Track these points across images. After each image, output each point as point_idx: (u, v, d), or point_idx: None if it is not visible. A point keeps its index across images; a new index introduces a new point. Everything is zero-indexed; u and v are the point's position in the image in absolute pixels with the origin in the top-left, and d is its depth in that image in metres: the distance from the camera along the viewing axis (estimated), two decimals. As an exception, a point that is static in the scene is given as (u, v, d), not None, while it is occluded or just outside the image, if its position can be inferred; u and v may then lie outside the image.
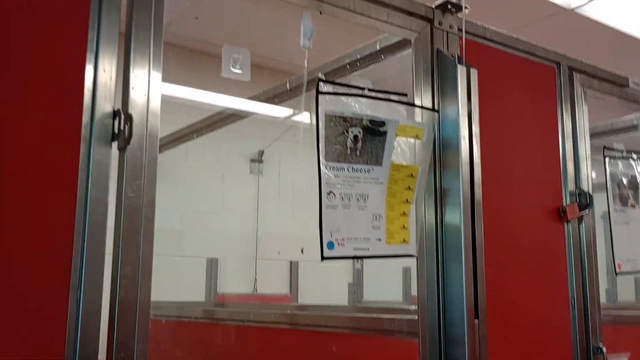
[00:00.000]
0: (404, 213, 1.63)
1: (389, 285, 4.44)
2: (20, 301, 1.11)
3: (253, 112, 3.29)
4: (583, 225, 2.07)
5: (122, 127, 1.24)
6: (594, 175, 2.20)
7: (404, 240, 1.62)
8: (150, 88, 1.30)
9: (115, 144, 1.24)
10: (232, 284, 3.90)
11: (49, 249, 1.15)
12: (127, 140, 1.23)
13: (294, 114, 3.52)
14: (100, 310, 1.16)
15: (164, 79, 1.33)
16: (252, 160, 4.31)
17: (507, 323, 1.79)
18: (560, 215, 2.03)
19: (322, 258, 1.47)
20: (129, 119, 1.24)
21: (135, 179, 1.25)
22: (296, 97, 2.57)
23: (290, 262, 4.30)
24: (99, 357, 1.15)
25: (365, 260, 4.62)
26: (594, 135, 2.50)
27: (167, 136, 3.21)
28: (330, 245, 1.49)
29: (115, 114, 1.25)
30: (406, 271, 4.46)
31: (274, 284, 4.19)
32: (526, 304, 1.88)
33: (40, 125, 1.17)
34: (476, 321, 1.64)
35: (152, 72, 1.31)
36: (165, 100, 1.33)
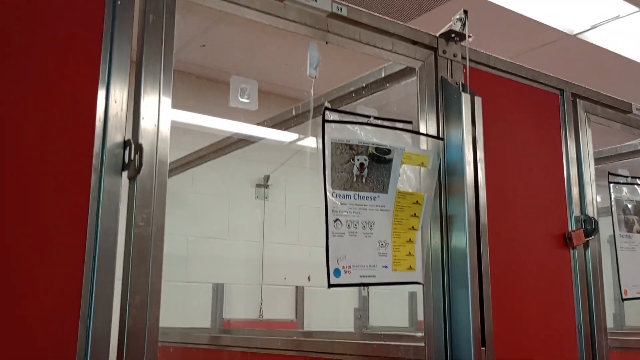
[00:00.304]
0: (410, 240, 1.64)
1: (396, 310, 4.42)
2: (31, 330, 1.12)
3: (260, 137, 3.32)
4: (589, 251, 2.08)
5: (132, 157, 1.26)
6: (598, 199, 2.21)
7: (410, 267, 1.63)
8: (160, 116, 1.33)
9: (125, 173, 1.26)
10: (238, 309, 3.89)
11: (60, 277, 1.16)
12: (138, 170, 1.25)
13: (299, 139, 3.54)
14: (109, 337, 1.17)
15: (172, 105, 1.36)
16: (258, 185, 4.33)
17: (514, 350, 1.79)
18: (566, 241, 2.03)
19: (329, 286, 1.48)
20: (139, 148, 1.27)
21: (145, 208, 1.27)
22: (302, 124, 2.60)
23: (296, 288, 4.29)
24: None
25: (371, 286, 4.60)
26: (598, 160, 2.52)
27: (174, 162, 3.24)
28: (337, 273, 1.50)
29: (125, 143, 1.27)
30: (412, 296, 4.45)
31: (280, 310, 4.18)
32: (533, 331, 1.87)
33: (53, 155, 1.19)
34: (483, 349, 1.64)
35: (162, 99, 1.34)
36: (174, 126, 1.35)
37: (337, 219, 1.54)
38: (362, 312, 4.31)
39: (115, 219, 1.22)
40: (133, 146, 1.26)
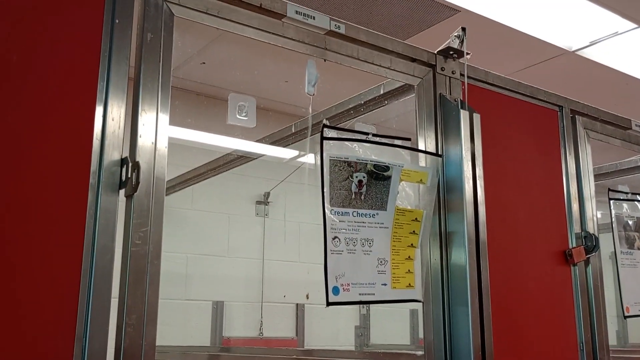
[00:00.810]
0: (410, 257, 1.63)
1: (397, 327, 4.39)
2: (27, 348, 1.11)
3: (259, 154, 3.32)
4: (590, 268, 2.06)
5: (129, 175, 1.26)
6: (599, 215, 2.20)
7: (410, 285, 1.61)
8: (157, 133, 1.33)
9: (122, 192, 1.26)
10: (238, 327, 3.87)
11: (56, 296, 1.15)
12: (135, 188, 1.25)
13: (299, 156, 3.54)
14: (106, 357, 1.16)
15: (171, 122, 1.35)
16: (258, 202, 4.32)
17: (515, 369, 1.77)
18: (567, 258, 2.02)
19: (327, 304, 1.47)
20: (136, 166, 1.26)
21: (142, 226, 1.26)
22: (301, 141, 2.60)
23: (297, 306, 4.27)
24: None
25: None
26: (598, 176, 2.51)
27: (173, 179, 3.23)
28: (336, 291, 1.49)
29: (122, 161, 1.27)
30: (413, 313, 4.42)
31: (280, 328, 4.16)
32: (534, 348, 1.86)
33: (50, 173, 1.19)
34: (484, 367, 1.62)
35: (159, 116, 1.34)
36: (172, 143, 1.35)
37: (335, 237, 1.53)
38: (362, 329, 4.28)
39: (112, 238, 1.21)
40: (130, 164, 1.26)
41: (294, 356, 2.37)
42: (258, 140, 2.92)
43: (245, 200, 4.30)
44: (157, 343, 1.23)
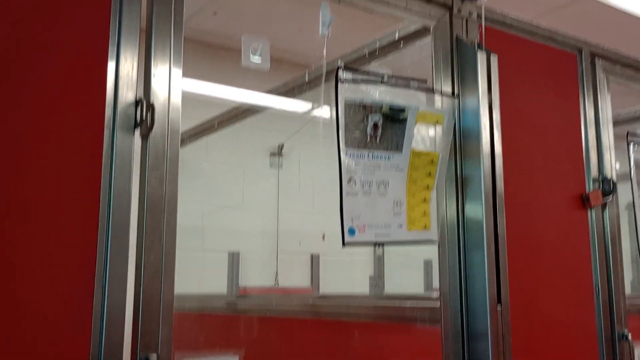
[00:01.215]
0: (425, 200, 1.63)
1: (411, 278, 4.42)
2: (46, 297, 1.12)
3: (273, 107, 3.30)
4: (607, 212, 2.05)
5: (144, 116, 1.25)
6: (617, 166, 2.17)
7: (425, 227, 1.62)
8: (171, 78, 1.32)
9: (138, 133, 1.26)
10: (254, 277, 3.91)
11: (74, 238, 1.16)
12: (150, 128, 1.25)
13: (313, 108, 3.52)
14: (125, 301, 1.18)
15: (184, 74, 1.34)
16: (272, 154, 4.32)
17: (530, 311, 1.78)
18: (584, 202, 2.01)
19: (343, 244, 1.48)
20: (150, 106, 1.26)
21: (158, 168, 1.26)
22: (315, 89, 2.58)
23: (312, 256, 4.30)
24: (124, 346, 1.16)
25: (386, 254, 4.61)
26: (617, 123, 2.47)
27: (188, 131, 3.23)
28: (351, 232, 1.49)
29: (137, 102, 1.26)
30: (427, 264, 4.45)
31: (296, 278, 4.20)
32: (550, 292, 1.86)
33: (65, 114, 1.19)
34: (499, 307, 1.63)
35: (173, 61, 1.32)
36: (185, 97, 1.34)
37: (351, 178, 1.53)
38: (377, 279, 4.32)
39: (129, 178, 1.22)
40: (145, 104, 1.25)
41: (310, 301, 2.40)
42: (272, 90, 2.90)
43: (259, 152, 4.30)
44: (175, 292, 1.24)
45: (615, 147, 2.18)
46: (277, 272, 4.07)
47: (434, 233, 1.63)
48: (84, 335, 1.14)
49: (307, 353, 2.05)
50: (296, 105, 3.51)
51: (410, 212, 1.60)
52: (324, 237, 1.78)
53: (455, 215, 1.72)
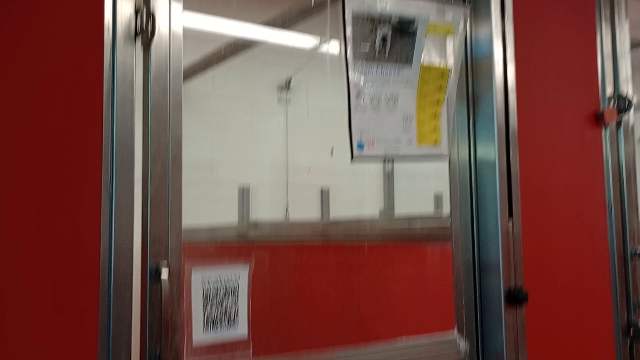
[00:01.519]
0: (435, 115, 1.60)
1: (421, 210, 4.42)
2: (55, 225, 1.11)
3: (277, 42, 3.24)
4: (621, 129, 2.01)
5: (144, 25, 1.22)
6: (635, 100, 2.10)
7: (436, 142, 1.59)
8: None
9: (139, 42, 1.22)
10: (264, 211, 3.93)
11: (78, 147, 1.15)
12: (151, 37, 1.21)
13: (320, 43, 3.45)
14: (133, 207, 1.17)
15: (184, 8, 1.29)
16: (280, 89, 4.27)
17: (541, 225, 1.76)
18: (598, 120, 1.96)
19: (352, 158, 1.46)
20: (150, 15, 1.22)
21: (161, 78, 1.23)
22: (323, 12, 2.50)
23: (321, 190, 4.30)
24: (134, 253, 1.16)
25: (396, 190, 4.60)
26: (635, 46, 2.39)
27: (193, 65, 3.18)
28: (360, 146, 1.47)
29: (136, 11, 1.22)
30: (437, 199, 4.44)
31: (305, 211, 4.21)
32: (561, 206, 1.84)
33: (63, 26, 1.15)
34: (510, 221, 1.62)
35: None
36: (186, 33, 1.29)
37: (359, 93, 1.49)
38: (387, 212, 4.33)
39: (131, 87, 1.19)
40: (144, 13, 1.21)
41: (320, 227, 2.41)
42: (277, 16, 2.83)
43: (267, 87, 4.25)
44: (185, 223, 1.22)
45: (633, 72, 2.12)
46: (287, 205, 4.08)
47: (444, 148, 1.60)
48: (93, 241, 1.12)
49: (318, 274, 2.06)
50: (303, 40, 3.45)
51: (421, 127, 1.56)
52: (332, 152, 1.76)
53: (467, 159, 1.68)
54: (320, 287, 1.95)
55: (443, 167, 1.69)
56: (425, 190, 3.98)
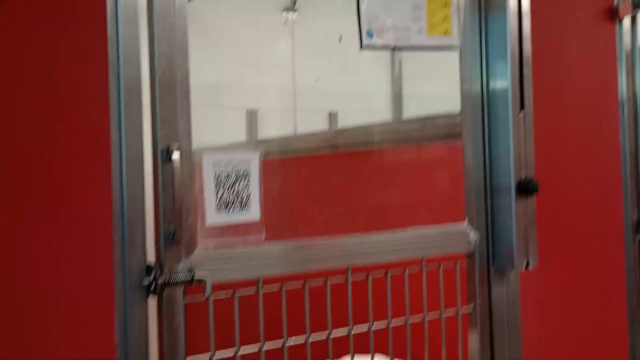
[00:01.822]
0: (446, 4, 1.56)
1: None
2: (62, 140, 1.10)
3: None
4: (637, 25, 1.96)
5: None
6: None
7: (446, 32, 1.55)
8: None
9: None
10: (272, 134, 3.92)
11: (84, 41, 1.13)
12: None
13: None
14: (140, 88, 1.16)
15: None
16: (286, 10, 4.18)
17: (553, 118, 1.75)
18: (612, 14, 1.91)
19: (361, 46, 1.43)
20: None
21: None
22: None
23: (329, 114, 4.27)
24: (144, 136, 1.16)
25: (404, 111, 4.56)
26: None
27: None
28: (370, 34, 1.44)
29: None
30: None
31: (314, 134, 4.20)
32: (573, 100, 1.82)
33: None
34: (521, 113, 1.60)
35: None
36: None
37: (367, -20, 1.45)
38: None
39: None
40: None
41: (329, 136, 2.39)
42: None
43: (272, 8, 4.17)
44: (195, 145, 1.21)
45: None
46: (295, 129, 4.06)
47: (455, 38, 1.57)
48: (102, 122, 1.11)
49: (328, 183, 2.07)
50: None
51: (431, 16, 1.53)
52: (340, 39, 1.73)
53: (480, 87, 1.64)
54: (333, 178, 1.95)
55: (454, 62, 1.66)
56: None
